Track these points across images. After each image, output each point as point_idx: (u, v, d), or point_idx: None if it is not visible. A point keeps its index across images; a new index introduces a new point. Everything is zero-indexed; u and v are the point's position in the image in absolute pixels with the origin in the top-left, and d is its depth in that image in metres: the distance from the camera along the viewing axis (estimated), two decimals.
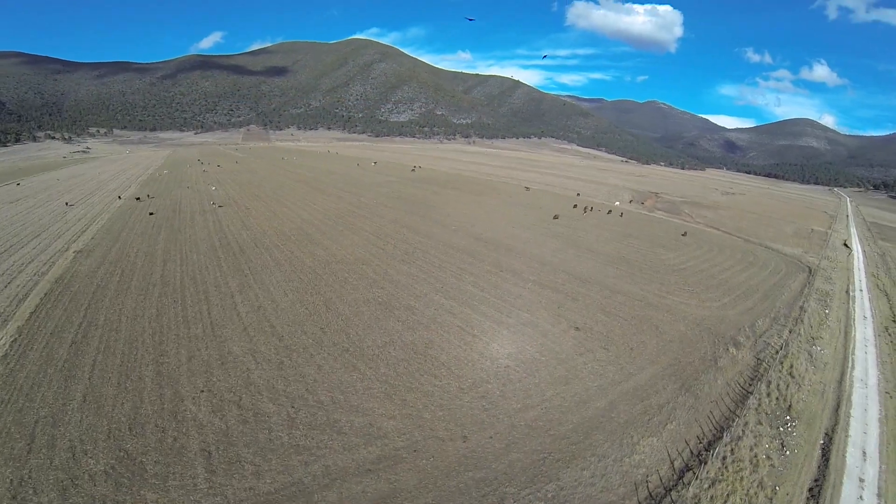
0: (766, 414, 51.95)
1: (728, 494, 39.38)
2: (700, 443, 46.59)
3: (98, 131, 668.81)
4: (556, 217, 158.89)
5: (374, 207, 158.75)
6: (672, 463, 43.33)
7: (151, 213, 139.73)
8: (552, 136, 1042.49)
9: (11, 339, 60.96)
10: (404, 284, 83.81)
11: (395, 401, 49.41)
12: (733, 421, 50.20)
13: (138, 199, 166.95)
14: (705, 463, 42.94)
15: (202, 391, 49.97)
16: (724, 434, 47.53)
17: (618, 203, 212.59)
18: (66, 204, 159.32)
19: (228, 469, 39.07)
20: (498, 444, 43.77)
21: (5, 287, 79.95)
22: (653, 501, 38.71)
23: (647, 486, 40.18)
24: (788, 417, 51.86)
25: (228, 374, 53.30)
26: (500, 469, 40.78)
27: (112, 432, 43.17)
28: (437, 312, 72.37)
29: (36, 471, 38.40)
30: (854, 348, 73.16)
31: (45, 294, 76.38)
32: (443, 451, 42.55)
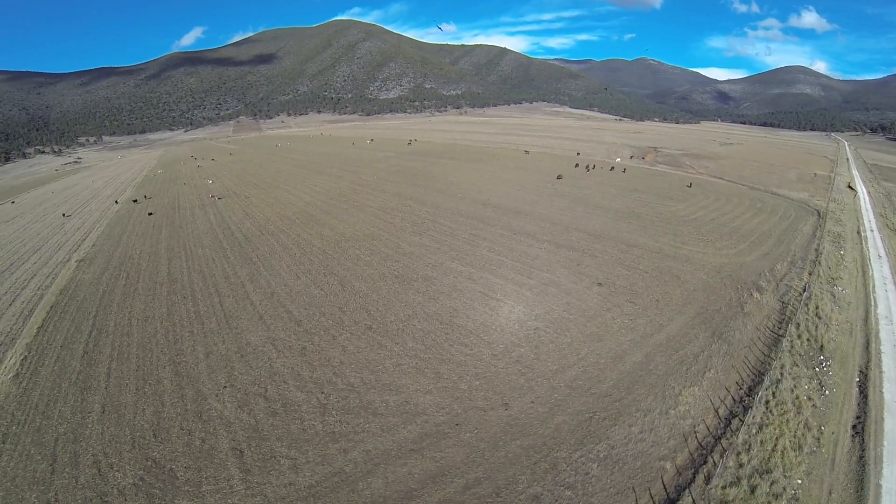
0: (801, 355, 51.29)
1: (777, 438, 38.79)
2: (740, 389, 46.04)
3: (87, 140, 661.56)
4: (559, 177, 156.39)
5: (375, 183, 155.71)
6: (716, 411, 42.61)
7: (150, 214, 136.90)
8: (543, 101, 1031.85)
9: (21, 357, 58.74)
10: (418, 256, 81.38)
11: (429, 374, 47.37)
12: (770, 365, 49.49)
13: (135, 201, 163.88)
14: (750, 409, 42.39)
15: (225, 387, 47.70)
16: (765, 378, 46.92)
17: (619, 160, 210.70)
18: (63, 215, 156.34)
19: (263, 466, 36.81)
20: (541, 409, 42.09)
21: (10, 305, 77.50)
22: (704, 451, 37.88)
23: (696, 437, 39.43)
24: (822, 357, 51.43)
25: (250, 366, 51.01)
26: (547, 434, 39.16)
27: (136, 441, 41.01)
28: (457, 280, 70.25)
29: (62, 492, 36.20)
30: (874, 287, 73.31)
31: (51, 307, 73.89)
32: (485, 421, 40.70)
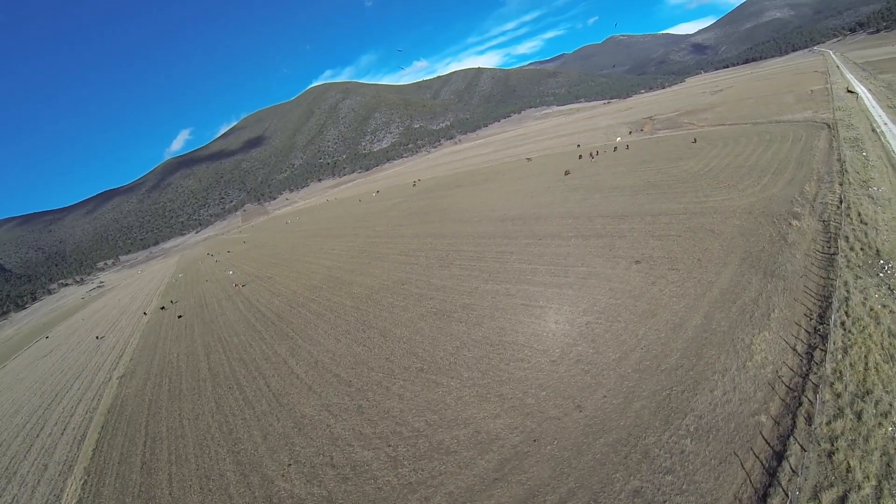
0: (860, 266, 49.73)
1: (865, 356, 37.16)
2: (811, 319, 44.06)
3: (106, 264, 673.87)
4: (566, 173, 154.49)
5: (391, 231, 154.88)
6: (794, 349, 40.78)
7: (180, 316, 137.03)
8: (531, 107, 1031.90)
9: (81, 481, 58.29)
10: (451, 288, 79.53)
11: (492, 399, 45.21)
12: (833, 285, 47.77)
13: (163, 308, 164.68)
14: (828, 335, 40.55)
15: (289, 464, 45.82)
16: (832, 300, 45.07)
17: (619, 139, 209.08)
18: (97, 338, 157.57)
19: None
20: (615, 401, 40.21)
21: (62, 433, 77.62)
22: (796, 393, 36.04)
23: (783, 381, 37.53)
24: (882, 262, 49.74)
25: (310, 438, 49.11)
26: (629, 424, 37.39)
27: None
28: (496, 300, 68.29)
29: None
30: None
31: (102, 426, 73.50)
32: (563, 429, 38.70)
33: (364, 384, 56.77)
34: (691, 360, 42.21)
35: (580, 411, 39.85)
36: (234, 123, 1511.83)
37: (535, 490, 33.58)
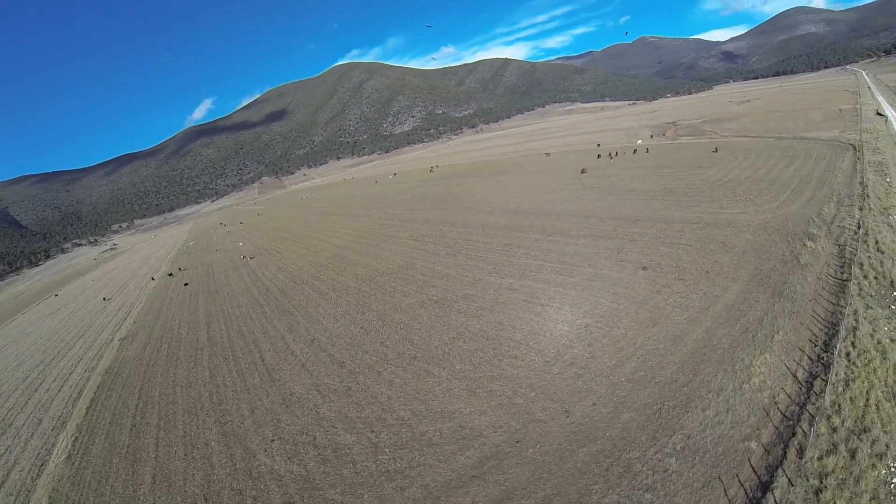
0: (872, 296, 47.12)
1: (867, 391, 35.20)
2: (815, 346, 42.13)
3: (120, 226, 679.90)
4: (583, 171, 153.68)
5: (403, 214, 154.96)
6: (795, 375, 39.06)
7: (186, 284, 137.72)
8: (555, 102, 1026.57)
9: (73, 438, 59.19)
10: (455, 276, 79.18)
11: (480, 395, 44.81)
12: (842, 313, 45.40)
13: (171, 274, 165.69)
14: (831, 365, 38.54)
15: (272, 440, 45.93)
16: (839, 329, 42.84)
17: (640, 141, 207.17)
18: (104, 299, 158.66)
19: None
20: (604, 410, 39.29)
21: (59, 390, 78.66)
22: (790, 422, 34.31)
23: (779, 408, 35.95)
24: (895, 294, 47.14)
25: (296, 416, 49.20)
26: (615, 435, 36.37)
27: None
28: (498, 293, 67.78)
29: None
30: None
31: (98, 386, 74.21)
32: (547, 433, 37.98)
33: (356, 366, 56.69)
34: (687, 376, 41.30)
35: (567, 416, 39.24)
36: (257, 96, 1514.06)
37: (512, 492, 33.16)
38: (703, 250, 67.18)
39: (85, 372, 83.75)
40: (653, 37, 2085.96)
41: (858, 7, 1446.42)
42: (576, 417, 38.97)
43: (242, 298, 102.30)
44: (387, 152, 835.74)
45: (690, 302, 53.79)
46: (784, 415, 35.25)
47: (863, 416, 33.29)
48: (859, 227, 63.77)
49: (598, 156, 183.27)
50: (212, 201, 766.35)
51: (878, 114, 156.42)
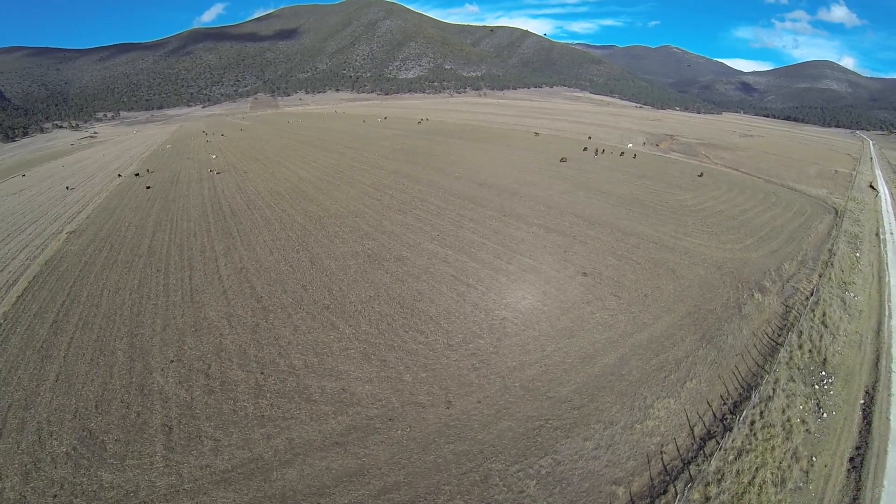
0: (799, 369, 46.81)
1: (757, 468, 34.52)
2: (724, 404, 41.83)
3: (105, 115, 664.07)
4: (563, 160, 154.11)
5: (375, 160, 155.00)
6: (692, 429, 38.74)
7: (148, 187, 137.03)
8: (564, 85, 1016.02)
9: None
10: (398, 234, 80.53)
11: (374, 362, 46.01)
12: (762, 378, 45.17)
13: (137, 174, 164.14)
14: (731, 429, 38.18)
15: (172, 361, 47.58)
16: (752, 394, 42.58)
17: (631, 145, 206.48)
18: (67, 188, 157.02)
19: (187, 445, 36.51)
20: (487, 411, 39.57)
21: None
22: (668, 477, 34.06)
23: (662, 459, 35.60)
24: (824, 373, 46.77)
25: (201, 342, 50.81)
26: (487, 440, 36.64)
27: (79, 411, 41.21)
28: (431, 262, 68.90)
29: (3, 455, 36.77)
30: (890, 295, 67.41)
31: (34, 277, 74.58)
32: (422, 419, 38.77)
33: (271, 304, 58.31)
34: (583, 399, 41.09)
35: (448, 408, 39.82)
36: (271, 11, 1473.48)
37: (364, 469, 34.23)
38: (650, 272, 66.89)
39: (27, 260, 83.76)
40: (677, 48, 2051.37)
41: (884, 79, 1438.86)
42: (455, 411, 39.48)
43: (194, 213, 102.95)
44: (386, 94, 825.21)
45: (617, 322, 53.54)
46: (665, 467, 34.92)
47: (742, 493, 32.63)
48: (812, 294, 63.50)
49: (585, 149, 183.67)
50: (202, 107, 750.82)
51: (871, 187, 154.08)
